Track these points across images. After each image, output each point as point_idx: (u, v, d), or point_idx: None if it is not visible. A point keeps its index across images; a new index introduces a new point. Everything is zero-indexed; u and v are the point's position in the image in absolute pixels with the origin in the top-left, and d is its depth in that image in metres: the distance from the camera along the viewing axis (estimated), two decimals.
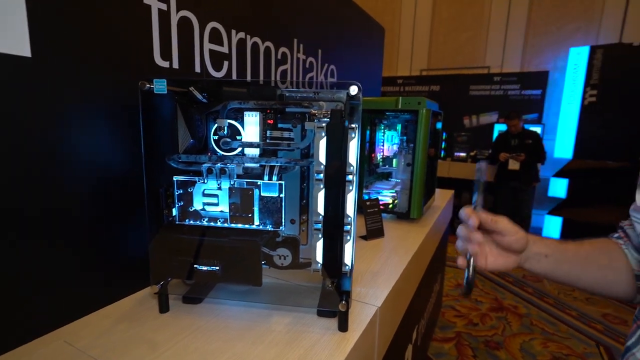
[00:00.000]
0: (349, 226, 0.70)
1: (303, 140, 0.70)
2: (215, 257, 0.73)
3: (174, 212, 0.74)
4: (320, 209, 0.70)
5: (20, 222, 0.61)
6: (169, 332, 0.67)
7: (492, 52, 4.63)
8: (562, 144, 3.96)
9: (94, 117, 0.71)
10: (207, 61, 0.97)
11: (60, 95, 0.65)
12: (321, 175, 0.68)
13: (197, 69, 0.95)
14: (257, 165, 0.72)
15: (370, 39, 2.23)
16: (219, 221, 0.73)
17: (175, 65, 0.87)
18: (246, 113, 0.74)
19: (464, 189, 4.29)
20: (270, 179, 0.71)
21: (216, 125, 0.75)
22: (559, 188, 4.00)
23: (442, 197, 1.99)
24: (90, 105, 0.70)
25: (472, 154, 4.40)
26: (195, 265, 0.74)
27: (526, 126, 3.68)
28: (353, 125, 0.67)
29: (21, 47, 0.58)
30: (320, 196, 0.70)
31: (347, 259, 0.72)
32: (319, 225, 0.71)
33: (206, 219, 0.74)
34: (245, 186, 0.71)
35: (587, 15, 4.05)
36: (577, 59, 3.78)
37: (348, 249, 0.71)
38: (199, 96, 0.73)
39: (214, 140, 0.76)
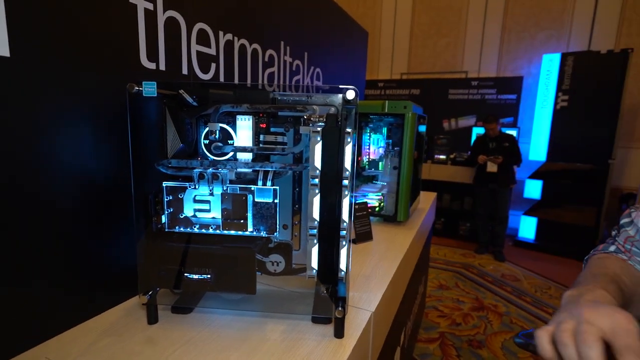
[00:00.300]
0: (344, 231, 0.69)
1: (298, 145, 0.69)
2: (207, 265, 0.71)
3: (163, 219, 0.71)
4: (315, 214, 0.69)
5: None
6: (159, 344, 0.64)
7: (470, 57, 4.77)
8: (537, 146, 4.11)
9: (78, 120, 0.68)
10: (194, 63, 0.95)
11: (40, 96, 0.61)
12: (316, 180, 0.67)
13: (185, 71, 0.92)
14: (250, 170, 0.71)
15: (354, 43, 2.25)
16: (211, 228, 0.71)
17: (162, 66, 0.84)
18: (239, 117, 0.72)
19: (444, 191, 4.39)
20: (264, 184, 0.70)
21: (207, 129, 0.73)
22: (533, 189, 4.15)
23: (426, 199, 2.02)
24: (73, 108, 0.67)
25: (451, 156, 4.50)
26: (186, 274, 0.71)
27: (503, 129, 3.80)
28: (349, 130, 0.66)
29: None
30: (315, 201, 0.69)
31: (342, 264, 0.71)
32: (314, 231, 0.70)
33: (197, 226, 0.72)
34: (238, 192, 0.70)
35: (558, 24, 4.24)
36: (550, 65, 3.94)
37: (343, 254, 0.71)
38: (189, 99, 0.71)
39: (205, 144, 0.74)
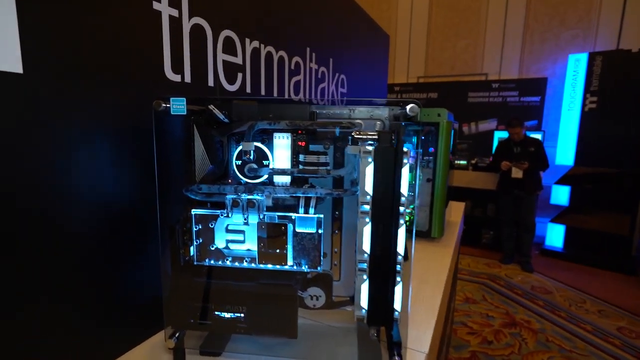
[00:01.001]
0: (399, 266, 0.60)
1: (346, 166, 0.60)
2: (241, 304, 0.62)
3: (192, 250, 0.63)
4: (366, 246, 0.60)
5: (3, 263, 0.49)
6: None
7: (490, 59, 4.62)
8: (564, 150, 3.93)
9: (97, 141, 0.60)
10: (220, 73, 0.88)
11: (56, 115, 0.54)
12: (367, 207, 0.58)
13: (210, 82, 0.85)
14: (288, 195, 0.62)
15: (376, 47, 2.16)
16: (245, 261, 0.63)
17: (188, 78, 0.77)
18: (276, 135, 0.64)
19: (466, 197, 4.23)
20: (306, 211, 0.61)
21: (240, 148, 0.65)
22: (561, 195, 3.97)
23: (455, 210, 1.91)
24: (91, 127, 0.59)
25: (472, 161, 4.35)
26: (216, 312, 0.63)
27: (527, 133, 3.65)
28: (406, 149, 0.57)
29: (11, 62, 0.47)
30: (366, 231, 0.60)
31: (397, 304, 0.62)
32: (364, 265, 0.61)
33: (229, 259, 0.63)
34: (277, 220, 0.61)
35: (584, 23, 4.07)
36: (576, 65, 3.77)
37: (398, 292, 0.61)
38: (220, 115, 0.63)
39: (237, 165, 0.66)
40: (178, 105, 0.55)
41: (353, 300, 0.77)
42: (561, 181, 3.94)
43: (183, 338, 0.63)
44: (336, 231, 0.75)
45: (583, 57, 3.73)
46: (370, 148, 0.58)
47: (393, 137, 0.58)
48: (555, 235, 4.02)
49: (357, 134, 0.59)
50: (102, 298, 0.63)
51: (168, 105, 0.56)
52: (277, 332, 0.62)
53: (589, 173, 3.79)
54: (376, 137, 0.58)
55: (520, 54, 4.44)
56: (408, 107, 0.53)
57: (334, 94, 1.55)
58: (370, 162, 0.58)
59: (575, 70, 3.78)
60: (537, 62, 4.36)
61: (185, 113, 0.56)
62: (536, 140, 3.57)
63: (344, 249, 0.77)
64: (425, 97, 5.00)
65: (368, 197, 0.58)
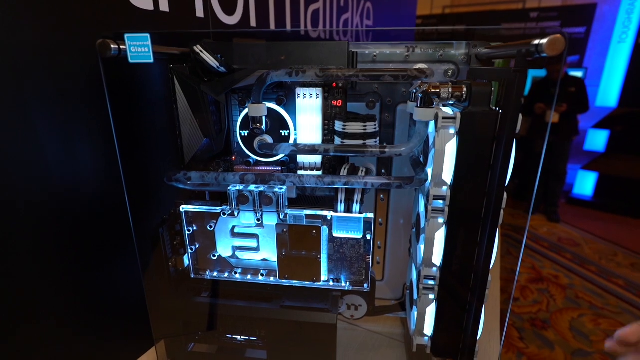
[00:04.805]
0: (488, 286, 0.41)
1: (411, 140, 0.39)
2: (259, 333, 0.45)
3: (186, 260, 0.46)
4: (436, 258, 0.41)
5: None
6: None
7: None
8: (607, 90, 3.52)
9: (33, 101, 0.39)
10: None
11: None
12: (442, 203, 0.38)
13: (200, 13, 0.60)
14: (323, 186, 0.41)
15: None
16: (261, 275, 0.45)
17: (164, 6, 0.53)
18: (299, 91, 0.42)
19: None
20: (348, 208, 0.41)
21: (245, 111, 0.43)
22: (597, 141, 3.64)
23: None
24: (23, 82, 0.38)
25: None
26: (226, 335, 0.47)
27: (567, 71, 3.23)
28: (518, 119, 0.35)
29: None
30: (438, 237, 0.40)
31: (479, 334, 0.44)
32: (431, 282, 0.42)
33: (239, 271, 0.45)
34: (304, 222, 0.42)
35: None
36: None
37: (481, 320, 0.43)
38: (212, 62, 0.40)
39: (242, 137, 0.45)
40: (138, 48, 0.33)
41: (402, 306, 0.60)
42: (600, 125, 3.58)
43: None
44: (380, 220, 0.56)
45: None
46: (452, 112, 0.36)
47: (491, 97, 0.35)
48: (585, 183, 3.78)
49: (429, 88, 0.37)
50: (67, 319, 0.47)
51: (123, 48, 0.34)
52: None
53: (633, 114, 3.42)
54: (464, 94, 0.36)
55: None
56: (546, 40, 0.30)
57: (358, 27, 1.26)
58: (453, 136, 0.36)
59: None
60: None
61: (151, 60, 0.34)
62: (577, 79, 3.17)
63: (390, 241, 0.58)
64: (450, 31, 4.47)
65: (445, 188, 0.38)
